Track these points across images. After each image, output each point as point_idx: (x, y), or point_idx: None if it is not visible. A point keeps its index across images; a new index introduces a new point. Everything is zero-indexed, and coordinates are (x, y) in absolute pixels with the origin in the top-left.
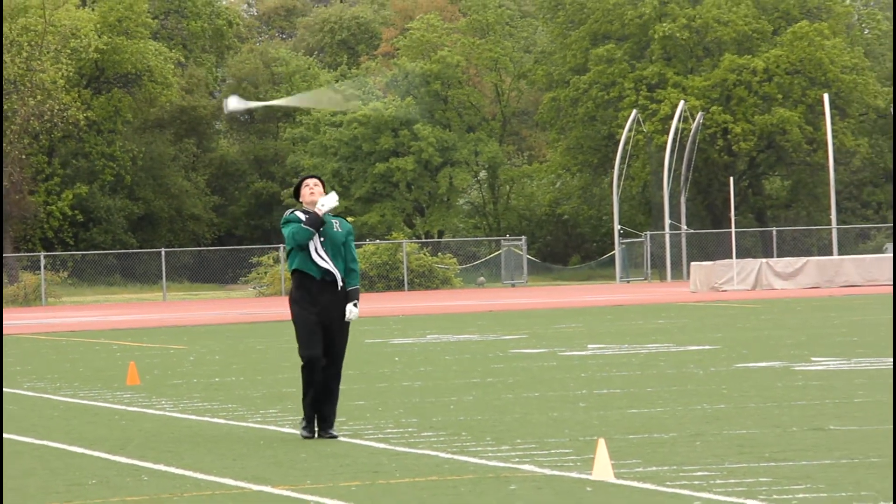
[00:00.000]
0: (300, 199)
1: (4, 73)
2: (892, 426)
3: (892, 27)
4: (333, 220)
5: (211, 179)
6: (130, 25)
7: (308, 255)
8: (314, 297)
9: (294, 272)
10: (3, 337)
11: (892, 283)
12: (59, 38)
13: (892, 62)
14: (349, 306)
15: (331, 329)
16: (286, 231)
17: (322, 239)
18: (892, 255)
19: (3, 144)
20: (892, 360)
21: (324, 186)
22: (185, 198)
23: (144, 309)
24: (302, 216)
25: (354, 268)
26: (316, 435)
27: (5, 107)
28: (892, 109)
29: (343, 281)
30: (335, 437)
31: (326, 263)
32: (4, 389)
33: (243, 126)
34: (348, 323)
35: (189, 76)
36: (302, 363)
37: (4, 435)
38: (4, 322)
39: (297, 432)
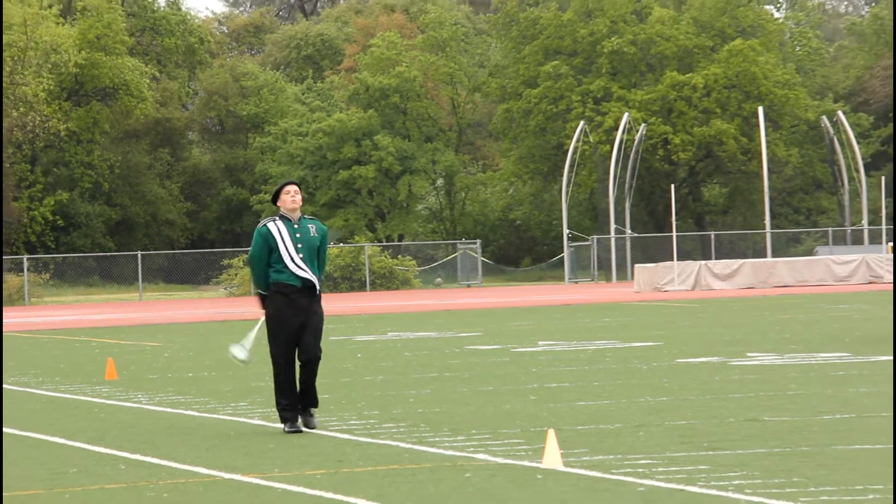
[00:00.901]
0: (278, 204)
1: None
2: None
3: (821, 45)
4: (310, 225)
5: (184, 187)
6: (108, 42)
7: (285, 266)
8: (294, 302)
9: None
10: None
11: (836, 284)
12: (41, 54)
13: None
14: None
15: (309, 330)
16: (253, 247)
17: (299, 245)
18: (821, 257)
19: None
20: (824, 356)
21: (302, 193)
22: (160, 204)
23: (122, 308)
24: (274, 227)
25: (322, 273)
26: (301, 424)
27: None
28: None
29: (319, 284)
30: (300, 430)
31: (305, 272)
32: None
33: (215, 136)
34: (322, 324)
35: (163, 90)
36: (278, 366)
37: None
38: None
39: (266, 424)
